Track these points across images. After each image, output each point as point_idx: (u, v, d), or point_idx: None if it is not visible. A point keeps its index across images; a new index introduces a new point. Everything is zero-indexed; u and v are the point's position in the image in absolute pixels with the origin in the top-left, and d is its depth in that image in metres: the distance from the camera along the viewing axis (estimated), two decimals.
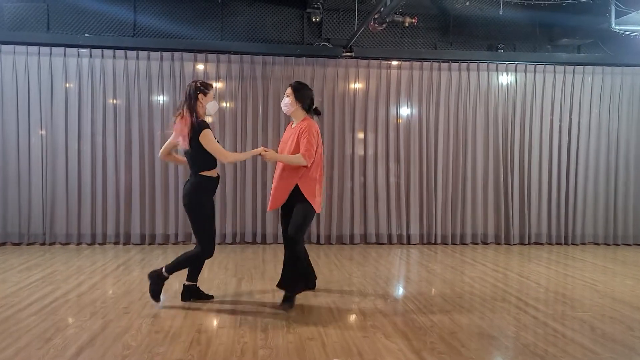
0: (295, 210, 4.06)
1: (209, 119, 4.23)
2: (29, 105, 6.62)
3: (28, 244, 6.64)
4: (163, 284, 4.03)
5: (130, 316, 3.70)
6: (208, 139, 3.81)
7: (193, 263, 4.06)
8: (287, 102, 4.16)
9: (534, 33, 7.43)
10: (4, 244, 6.61)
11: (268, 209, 4.31)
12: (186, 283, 4.15)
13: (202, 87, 3.89)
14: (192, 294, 4.14)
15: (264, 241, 7.01)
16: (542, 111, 7.42)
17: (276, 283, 4.49)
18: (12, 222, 6.62)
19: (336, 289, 4.63)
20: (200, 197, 3.89)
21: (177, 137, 3.86)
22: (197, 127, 3.79)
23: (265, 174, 7.00)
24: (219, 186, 4.07)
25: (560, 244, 7.40)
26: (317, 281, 4.62)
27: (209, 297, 4.21)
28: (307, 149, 4.00)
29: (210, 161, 3.89)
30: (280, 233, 6.99)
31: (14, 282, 4.69)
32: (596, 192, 7.50)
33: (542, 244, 7.39)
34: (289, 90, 4.18)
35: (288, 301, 4.02)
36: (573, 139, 7.46)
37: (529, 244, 7.38)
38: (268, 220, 7.04)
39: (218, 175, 4.01)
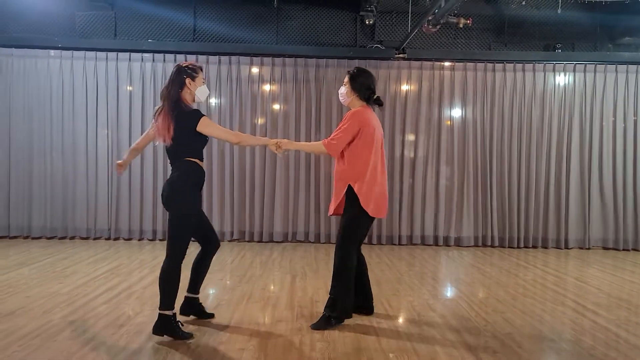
0: (342, 215, 3.63)
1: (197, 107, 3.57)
2: (97, 107, 7.03)
3: (95, 239, 7.04)
4: (195, 305, 3.67)
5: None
6: (211, 126, 3.33)
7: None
8: (343, 92, 3.72)
9: (594, 32, 7.22)
10: (73, 237, 7.04)
11: (328, 214, 3.86)
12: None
13: (189, 71, 3.34)
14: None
15: (317, 240, 7.14)
16: (602, 112, 7.21)
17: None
18: (80, 217, 7.04)
19: (389, 288, 4.69)
20: (184, 188, 3.31)
21: (159, 136, 3.28)
22: (190, 116, 3.26)
23: (319, 171, 7.14)
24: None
25: (625, 250, 7.14)
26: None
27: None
28: (334, 136, 3.54)
29: (197, 150, 3.40)
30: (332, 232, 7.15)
31: (85, 273, 5.00)
32: None
33: (603, 249, 7.18)
34: (346, 78, 3.71)
35: (322, 320, 3.52)
36: (638, 141, 7.19)
37: (587, 248, 7.17)
38: (320, 219, 7.16)
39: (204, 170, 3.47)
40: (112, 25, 6.99)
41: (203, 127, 3.28)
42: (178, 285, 3.29)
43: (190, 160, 3.35)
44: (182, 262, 3.32)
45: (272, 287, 4.60)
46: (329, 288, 3.62)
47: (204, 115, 3.32)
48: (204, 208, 7.11)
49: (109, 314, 3.71)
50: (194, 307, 3.65)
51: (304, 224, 7.18)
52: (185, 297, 3.64)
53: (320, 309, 3.82)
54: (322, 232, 7.15)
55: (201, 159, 3.43)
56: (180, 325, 3.26)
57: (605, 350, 3.21)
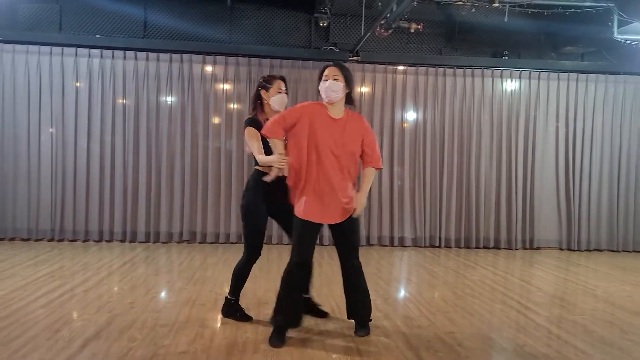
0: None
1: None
2: (40, 103, 6.76)
3: (36, 240, 6.76)
4: (236, 309, 3.68)
5: (136, 311, 3.80)
6: (247, 136, 3.49)
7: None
8: (339, 87, 3.22)
9: (539, 41, 7.50)
10: (13, 239, 6.74)
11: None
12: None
13: (263, 82, 3.58)
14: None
15: (269, 241, 7.10)
16: (546, 118, 7.49)
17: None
18: (21, 218, 6.75)
19: (338, 289, 4.70)
20: (251, 194, 3.48)
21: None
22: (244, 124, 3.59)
23: None
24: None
25: (564, 250, 7.45)
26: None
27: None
28: (378, 154, 3.46)
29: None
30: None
31: (23, 276, 4.80)
32: (599, 199, 7.55)
33: (545, 249, 7.44)
34: (336, 71, 3.23)
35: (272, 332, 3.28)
36: (577, 146, 7.51)
37: (531, 249, 7.43)
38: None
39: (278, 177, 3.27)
40: (57, 19, 6.75)
41: (245, 136, 3.51)
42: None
43: (256, 168, 3.50)
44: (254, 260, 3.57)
45: (220, 289, 4.53)
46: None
47: (248, 125, 3.48)
48: (153, 207, 6.96)
49: (46, 318, 3.56)
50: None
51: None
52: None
53: (267, 310, 3.81)
54: (275, 234, 7.12)
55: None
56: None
57: (539, 347, 3.32)
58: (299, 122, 3.22)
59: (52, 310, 3.76)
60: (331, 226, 3.39)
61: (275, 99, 3.54)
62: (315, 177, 3.22)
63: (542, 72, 7.45)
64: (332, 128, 3.23)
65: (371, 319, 3.50)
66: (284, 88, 3.60)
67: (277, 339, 3.20)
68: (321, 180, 3.22)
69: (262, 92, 3.57)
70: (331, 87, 3.20)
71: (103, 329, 3.37)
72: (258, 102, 3.60)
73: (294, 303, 3.31)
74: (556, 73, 7.45)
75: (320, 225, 3.35)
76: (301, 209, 3.24)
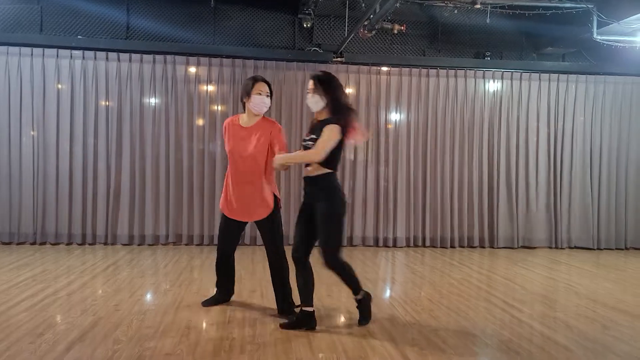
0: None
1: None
2: (21, 105, 6.66)
3: (18, 244, 6.66)
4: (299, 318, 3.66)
5: (120, 313, 3.77)
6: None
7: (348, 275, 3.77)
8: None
9: (520, 42, 7.61)
10: None
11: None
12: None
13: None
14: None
15: (253, 243, 7.09)
16: (527, 117, 7.59)
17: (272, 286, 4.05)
18: (1, 221, 6.64)
19: (324, 289, 4.72)
20: (341, 195, 3.64)
21: None
22: None
23: None
24: None
25: (547, 248, 7.54)
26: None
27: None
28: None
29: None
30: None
31: (4, 280, 4.73)
32: (582, 198, 7.65)
33: (528, 248, 7.54)
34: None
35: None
36: (559, 145, 7.62)
37: (515, 247, 7.52)
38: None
39: (304, 177, 3.61)
40: (38, 20, 6.66)
41: None
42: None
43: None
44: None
45: (206, 291, 4.51)
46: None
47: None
48: (137, 210, 6.91)
49: (28, 322, 3.52)
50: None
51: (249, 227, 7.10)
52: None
53: (252, 312, 3.80)
54: (258, 235, 7.10)
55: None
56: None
57: (522, 343, 3.38)
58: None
59: (35, 313, 3.72)
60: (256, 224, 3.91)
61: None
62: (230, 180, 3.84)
63: (523, 73, 7.54)
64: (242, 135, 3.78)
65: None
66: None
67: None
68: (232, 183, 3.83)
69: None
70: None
71: (87, 332, 3.35)
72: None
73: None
74: (537, 73, 7.55)
75: (235, 221, 3.89)
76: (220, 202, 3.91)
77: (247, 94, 3.72)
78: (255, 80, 3.74)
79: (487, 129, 7.54)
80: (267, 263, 3.96)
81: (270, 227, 3.86)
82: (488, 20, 6.54)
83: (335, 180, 3.55)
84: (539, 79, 7.57)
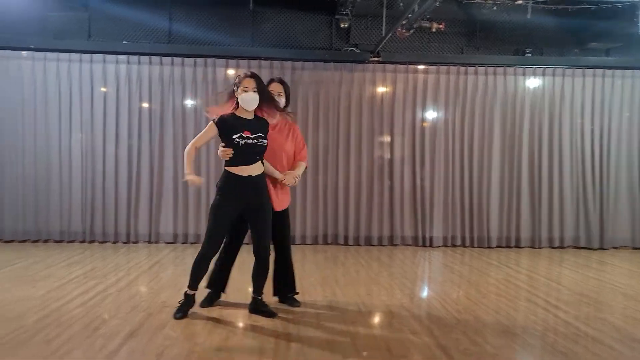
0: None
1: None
2: (70, 109, 6.94)
3: (68, 242, 6.95)
4: (189, 302, 3.83)
5: (169, 310, 3.90)
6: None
7: (196, 266, 3.78)
8: (282, 102, 3.94)
9: (562, 37, 7.44)
10: (46, 241, 6.94)
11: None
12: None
13: (235, 80, 3.75)
14: (254, 307, 3.91)
15: (292, 242, 7.17)
16: (571, 115, 7.42)
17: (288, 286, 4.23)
18: (53, 220, 6.95)
19: (362, 289, 4.76)
20: (216, 190, 3.78)
21: None
22: None
23: None
24: None
25: (592, 249, 7.35)
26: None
27: (271, 314, 3.83)
28: (304, 150, 4.17)
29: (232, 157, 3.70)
30: (311, 234, 7.22)
31: (59, 277, 4.96)
32: (631, 196, 7.44)
33: (571, 248, 7.37)
34: (280, 87, 3.96)
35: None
36: (604, 142, 7.42)
37: (557, 247, 7.37)
38: (306, 221, 7.22)
39: (241, 176, 3.66)
40: (86, 27, 6.93)
41: None
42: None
43: (224, 168, 3.78)
44: (213, 249, 3.74)
45: (250, 287, 4.60)
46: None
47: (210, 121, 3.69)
48: (181, 209, 7.09)
49: (83, 317, 3.69)
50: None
51: None
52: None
53: (294, 310, 3.88)
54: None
55: (229, 165, 3.73)
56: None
57: (568, 344, 3.34)
58: None
59: (89, 309, 3.89)
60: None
61: (242, 98, 3.65)
62: None
63: (566, 69, 7.38)
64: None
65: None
66: (251, 86, 3.64)
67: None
68: None
69: (234, 88, 3.73)
70: (278, 102, 3.88)
71: (139, 328, 3.49)
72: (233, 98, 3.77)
73: None
74: (581, 69, 7.37)
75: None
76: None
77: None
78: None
79: (528, 127, 7.41)
80: (297, 262, 4.10)
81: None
82: (529, 16, 6.43)
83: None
84: (583, 75, 7.39)
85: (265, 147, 3.70)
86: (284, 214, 4.04)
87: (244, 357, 3.01)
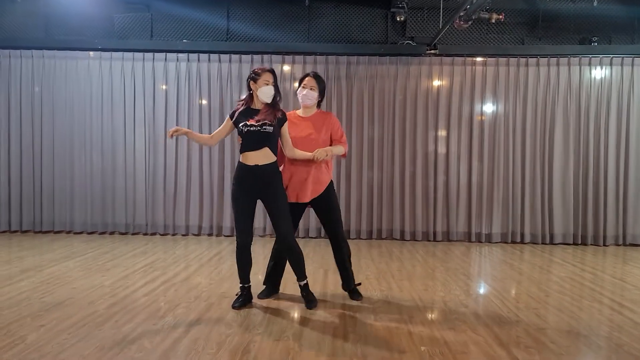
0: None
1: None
2: (134, 106, 7.26)
3: (133, 234, 7.28)
4: (244, 294, 3.97)
5: (229, 300, 4.02)
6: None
7: (237, 259, 3.93)
8: (314, 95, 4.03)
9: (632, 24, 7.06)
10: (112, 232, 7.30)
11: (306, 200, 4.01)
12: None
13: (252, 75, 3.77)
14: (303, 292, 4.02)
15: (348, 237, 7.18)
16: None
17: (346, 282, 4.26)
18: (119, 213, 7.29)
19: (420, 283, 4.73)
20: (232, 179, 3.89)
21: None
22: None
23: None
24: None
25: None
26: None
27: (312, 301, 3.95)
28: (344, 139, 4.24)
29: (240, 146, 3.82)
30: (367, 229, 7.22)
31: (125, 267, 5.21)
32: None
33: (639, 246, 7.02)
34: (313, 82, 4.01)
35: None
36: None
37: (624, 245, 7.03)
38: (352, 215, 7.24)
39: (249, 165, 3.74)
40: (149, 27, 7.21)
41: None
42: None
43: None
44: (243, 239, 3.85)
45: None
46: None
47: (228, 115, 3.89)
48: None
49: (149, 305, 3.87)
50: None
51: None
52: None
53: (351, 303, 3.91)
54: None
55: (241, 152, 3.81)
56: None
57: (637, 345, 3.19)
58: None
59: (155, 298, 4.07)
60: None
61: (262, 91, 3.73)
62: None
63: (635, 58, 7.00)
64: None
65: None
66: (271, 80, 3.76)
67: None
68: None
69: (251, 83, 3.77)
70: (307, 94, 4.00)
71: (202, 316, 3.62)
72: (249, 93, 3.85)
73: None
74: None
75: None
76: None
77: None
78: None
79: (594, 120, 7.10)
80: (354, 257, 4.13)
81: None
82: (595, 3, 6.14)
83: None
84: None
85: (269, 134, 3.73)
86: (329, 206, 4.06)
87: (302, 349, 3.06)
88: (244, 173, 3.77)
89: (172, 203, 7.31)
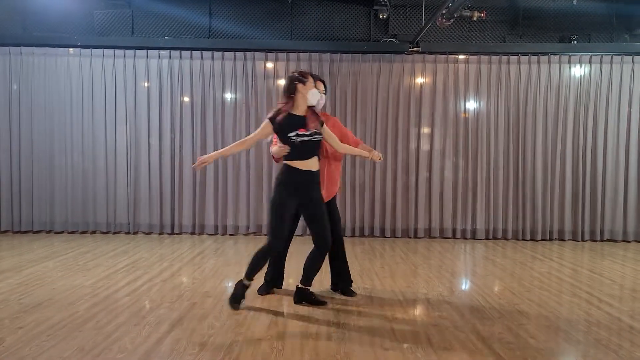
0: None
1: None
2: (115, 103, 7.17)
3: (114, 233, 7.20)
4: (244, 292, 3.86)
5: (212, 300, 4.01)
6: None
7: (258, 260, 3.79)
8: (324, 100, 4.04)
9: (610, 23, 7.16)
10: (94, 232, 7.21)
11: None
12: (299, 285, 3.98)
13: (298, 76, 3.74)
14: (302, 297, 3.96)
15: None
16: (619, 103, 7.15)
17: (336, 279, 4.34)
18: (100, 212, 7.20)
19: (403, 281, 4.75)
20: (275, 186, 3.81)
21: None
22: None
23: None
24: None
25: (638, 242, 7.11)
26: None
27: (321, 303, 3.93)
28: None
29: (290, 152, 3.70)
30: (350, 226, 7.22)
31: (107, 266, 5.15)
32: None
33: (616, 241, 7.14)
34: (322, 87, 4.01)
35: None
36: None
37: (601, 240, 7.15)
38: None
39: (303, 170, 3.71)
40: (130, 23, 7.12)
41: None
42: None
43: (284, 163, 3.78)
44: (278, 244, 3.75)
45: (289, 279, 4.66)
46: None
47: (267, 119, 3.75)
48: (221, 201, 7.23)
49: (131, 305, 3.83)
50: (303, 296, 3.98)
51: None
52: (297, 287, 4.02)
53: (334, 301, 3.91)
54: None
55: (289, 159, 3.73)
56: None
57: (618, 340, 3.24)
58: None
59: (137, 298, 4.04)
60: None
61: (313, 92, 3.74)
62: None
63: (614, 56, 7.11)
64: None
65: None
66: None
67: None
68: None
69: (300, 86, 3.71)
70: (321, 100, 3.95)
71: (184, 316, 3.59)
72: (292, 96, 3.73)
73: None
74: (630, 56, 7.08)
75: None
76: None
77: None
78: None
79: (573, 117, 7.20)
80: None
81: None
82: (575, 2, 6.22)
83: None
84: (632, 62, 7.10)
85: (320, 142, 3.77)
86: (331, 206, 4.10)
87: (285, 349, 3.06)
88: (296, 178, 3.72)
89: (158, 201, 7.23)
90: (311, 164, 3.74)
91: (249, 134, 7.09)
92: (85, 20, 7.10)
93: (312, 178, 3.75)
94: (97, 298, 4.01)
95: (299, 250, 4.51)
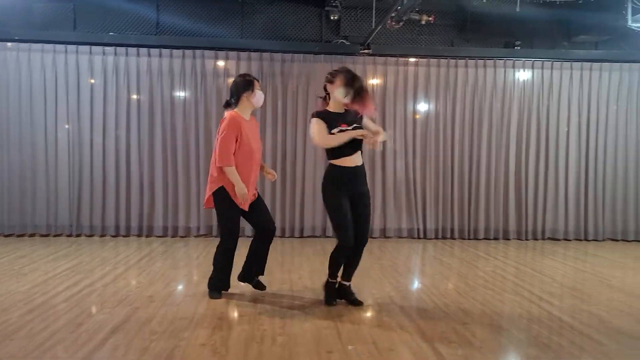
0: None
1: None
2: (56, 101, 6.87)
3: (55, 235, 6.90)
4: (333, 290, 3.99)
5: (155, 304, 3.89)
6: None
7: (335, 259, 3.87)
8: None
9: (552, 30, 7.44)
10: (32, 235, 6.88)
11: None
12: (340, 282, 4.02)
13: (329, 77, 3.87)
14: (341, 294, 4.02)
15: (282, 235, 7.15)
16: (559, 107, 7.44)
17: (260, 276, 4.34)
18: (40, 214, 6.88)
19: (353, 281, 4.75)
20: (325, 186, 3.86)
21: None
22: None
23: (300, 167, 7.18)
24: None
25: (577, 240, 7.42)
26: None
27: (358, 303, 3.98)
28: None
29: (334, 150, 3.77)
30: (299, 226, 7.20)
31: (44, 271, 4.92)
32: (614, 188, 7.50)
33: (558, 240, 7.42)
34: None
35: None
36: (591, 135, 7.46)
37: (543, 239, 7.42)
38: (291, 214, 7.20)
39: (350, 167, 3.78)
40: (71, 17, 6.83)
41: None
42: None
43: (331, 163, 3.83)
44: (349, 240, 3.76)
45: (237, 282, 4.59)
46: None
47: (314, 117, 3.83)
48: (170, 202, 7.05)
49: (68, 312, 3.66)
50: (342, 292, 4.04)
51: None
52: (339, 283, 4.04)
53: (282, 303, 3.87)
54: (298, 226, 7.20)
55: (338, 157, 3.79)
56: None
57: (553, 336, 3.36)
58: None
59: (74, 304, 3.86)
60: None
61: (341, 90, 3.79)
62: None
63: (555, 62, 7.39)
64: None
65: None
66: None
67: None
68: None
69: (328, 86, 3.87)
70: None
71: (125, 322, 3.46)
72: (326, 95, 3.93)
73: None
74: (569, 62, 7.38)
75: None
76: None
77: (251, 89, 4.10)
78: (255, 78, 4.16)
79: (517, 120, 7.44)
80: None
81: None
82: (518, 9, 6.41)
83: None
84: (571, 68, 7.41)
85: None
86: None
87: (228, 353, 2.99)
88: (346, 175, 3.79)
89: (101, 203, 6.97)
90: (357, 159, 3.82)
91: (198, 133, 7.03)
92: (24, 13, 6.75)
93: (360, 173, 3.85)
94: (32, 304, 3.82)
95: (299, 250, 4.43)
